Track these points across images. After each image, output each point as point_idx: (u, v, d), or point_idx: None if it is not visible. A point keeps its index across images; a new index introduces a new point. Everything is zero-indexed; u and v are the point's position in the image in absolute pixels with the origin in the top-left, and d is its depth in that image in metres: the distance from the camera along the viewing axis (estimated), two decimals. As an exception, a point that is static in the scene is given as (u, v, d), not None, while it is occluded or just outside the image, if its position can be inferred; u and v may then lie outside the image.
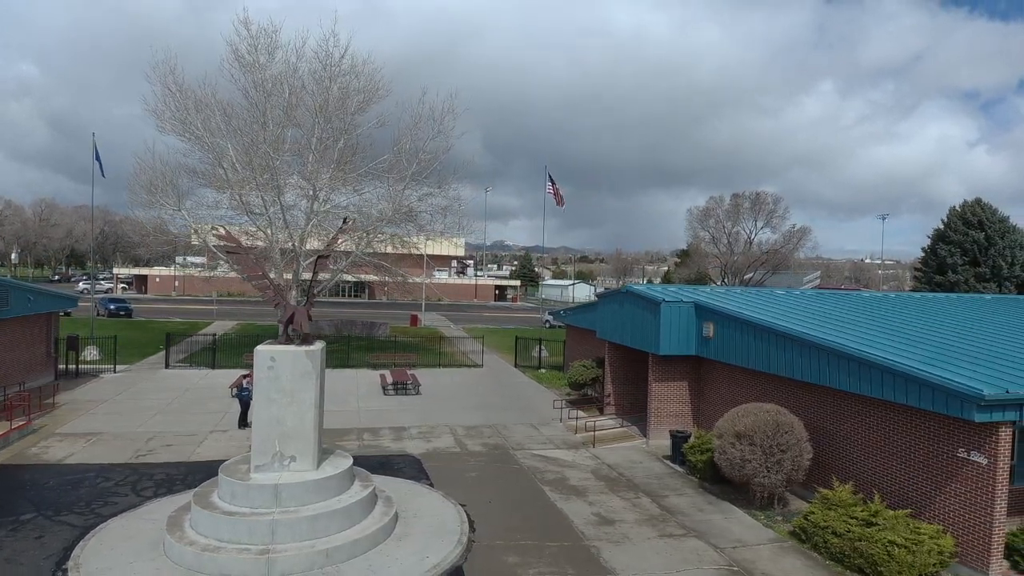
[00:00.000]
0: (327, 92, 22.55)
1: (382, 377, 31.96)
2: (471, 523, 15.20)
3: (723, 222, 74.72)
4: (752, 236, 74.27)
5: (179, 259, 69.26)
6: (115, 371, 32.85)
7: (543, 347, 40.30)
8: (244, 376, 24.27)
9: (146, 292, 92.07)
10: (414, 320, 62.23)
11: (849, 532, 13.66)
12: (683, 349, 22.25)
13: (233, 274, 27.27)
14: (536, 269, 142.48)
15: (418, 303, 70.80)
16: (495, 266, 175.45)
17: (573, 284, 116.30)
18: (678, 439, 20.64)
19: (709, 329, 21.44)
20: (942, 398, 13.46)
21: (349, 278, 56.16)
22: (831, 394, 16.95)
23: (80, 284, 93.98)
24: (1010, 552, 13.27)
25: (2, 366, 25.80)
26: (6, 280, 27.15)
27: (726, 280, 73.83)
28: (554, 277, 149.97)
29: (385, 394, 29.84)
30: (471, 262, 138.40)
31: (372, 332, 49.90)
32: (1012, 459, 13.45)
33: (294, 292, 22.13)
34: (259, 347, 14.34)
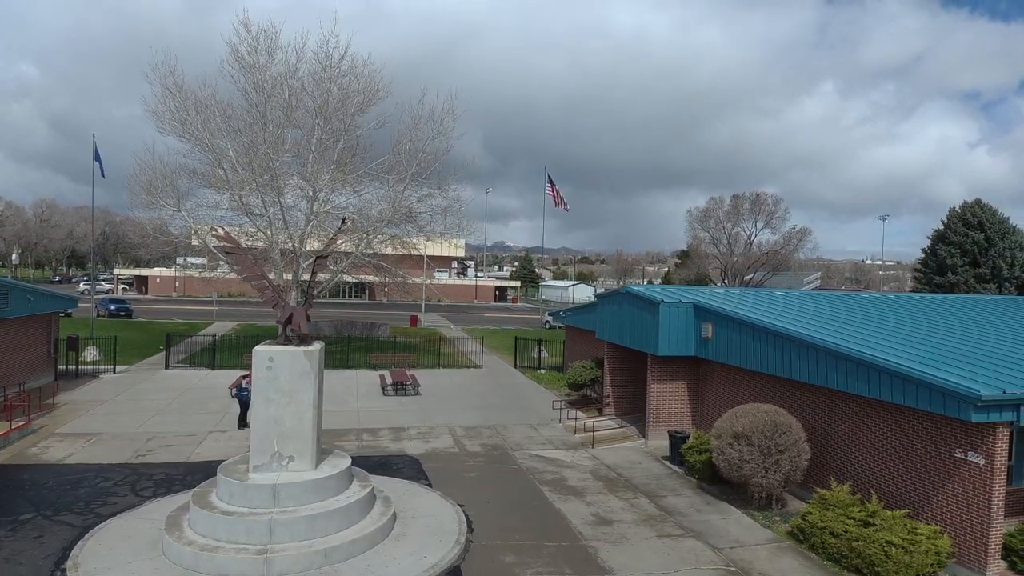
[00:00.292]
0: (327, 93, 22.61)
1: (382, 378, 31.99)
2: (469, 523, 15.23)
3: (723, 223, 74.72)
4: (752, 237, 74.30)
5: (179, 260, 69.35)
6: (115, 371, 32.89)
7: (543, 348, 40.32)
8: (243, 376, 24.29)
9: (146, 293, 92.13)
10: (414, 321, 62.26)
11: (847, 532, 13.68)
12: (682, 350, 22.28)
13: (233, 275, 27.33)
14: (536, 270, 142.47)
15: (418, 304, 70.87)
16: (495, 267, 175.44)
17: (573, 285, 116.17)
18: (677, 439, 20.66)
19: (708, 330, 21.46)
20: (939, 398, 13.48)
21: (349, 279, 56.24)
22: (829, 395, 16.97)
23: (81, 285, 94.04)
24: (1008, 552, 13.28)
25: (2, 366, 25.84)
26: (6, 281, 27.20)
27: (726, 281, 73.80)
28: (554, 278, 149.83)
29: (384, 395, 29.87)
30: (471, 263, 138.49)
31: (372, 333, 49.94)
32: (1009, 459, 13.50)
33: (294, 293, 22.19)
34: (258, 347, 14.37)
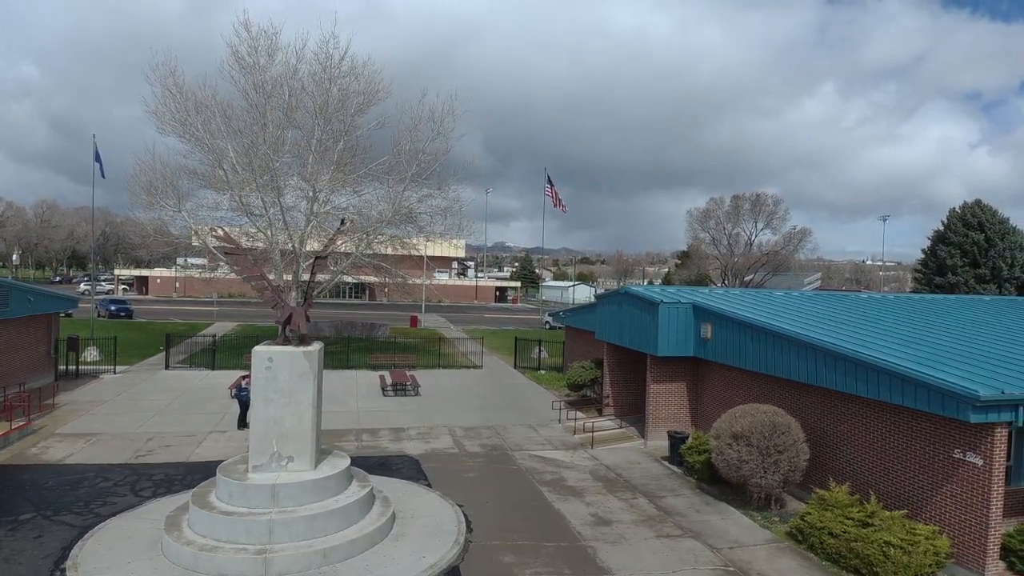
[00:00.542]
0: (327, 94, 22.59)
1: (381, 378, 32.01)
2: (468, 523, 15.25)
3: (723, 223, 74.79)
4: (752, 237, 74.37)
5: (180, 261, 69.42)
6: (115, 372, 32.92)
7: (543, 348, 40.35)
8: (243, 377, 24.32)
9: (147, 293, 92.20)
10: (414, 321, 62.29)
11: (845, 533, 13.70)
12: (681, 350, 22.29)
13: (233, 275, 27.32)
14: (537, 270, 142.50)
15: (418, 304, 70.88)
16: (496, 267, 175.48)
17: (573, 285, 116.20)
18: (676, 440, 20.67)
19: (707, 330, 21.48)
20: (938, 399, 13.50)
21: (349, 279, 56.27)
22: (828, 395, 16.99)
23: (81, 285, 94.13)
24: (1006, 553, 13.28)
25: (2, 366, 25.87)
26: (7, 281, 27.25)
27: (726, 281, 73.83)
28: (555, 278, 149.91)
29: (384, 395, 29.89)
30: (471, 263, 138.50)
31: (372, 333, 49.97)
32: (1008, 460, 13.51)
33: (294, 293, 22.18)
34: (257, 347, 14.40)
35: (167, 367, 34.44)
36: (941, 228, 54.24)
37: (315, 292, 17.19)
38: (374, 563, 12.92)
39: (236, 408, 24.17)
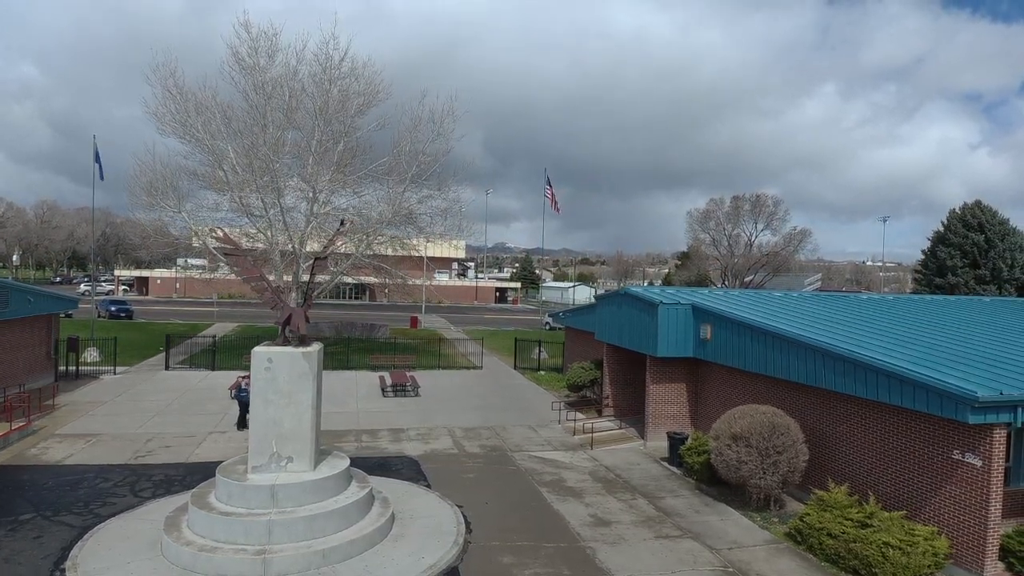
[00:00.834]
0: (327, 95, 22.60)
1: (381, 379, 32.02)
2: (468, 524, 15.26)
3: (723, 224, 74.80)
4: (752, 238, 74.37)
5: (180, 261, 69.44)
6: (115, 372, 32.94)
7: (542, 349, 40.36)
8: (243, 377, 24.33)
9: (147, 294, 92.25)
10: (414, 322, 62.31)
11: (844, 534, 13.71)
12: (681, 351, 22.30)
13: (233, 276, 27.34)
14: (537, 271, 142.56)
15: (418, 305, 70.91)
16: (496, 268, 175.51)
17: (573, 286, 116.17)
18: (675, 441, 20.68)
19: (706, 331, 21.49)
20: (936, 400, 13.51)
21: (349, 280, 56.30)
22: (827, 396, 17.00)
23: (81, 286, 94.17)
24: (1005, 554, 13.29)
25: (2, 367, 25.89)
26: (7, 281, 27.28)
27: (727, 282, 73.84)
28: (555, 279, 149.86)
29: (384, 396, 29.90)
30: (472, 264, 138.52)
31: (372, 334, 50.00)
32: (1007, 461, 13.52)
33: (294, 294, 22.21)
34: (256, 348, 14.42)
35: (167, 368, 34.46)
36: (941, 229, 54.20)
37: (315, 293, 17.22)
38: (373, 564, 12.93)
39: (236, 409, 24.19)
